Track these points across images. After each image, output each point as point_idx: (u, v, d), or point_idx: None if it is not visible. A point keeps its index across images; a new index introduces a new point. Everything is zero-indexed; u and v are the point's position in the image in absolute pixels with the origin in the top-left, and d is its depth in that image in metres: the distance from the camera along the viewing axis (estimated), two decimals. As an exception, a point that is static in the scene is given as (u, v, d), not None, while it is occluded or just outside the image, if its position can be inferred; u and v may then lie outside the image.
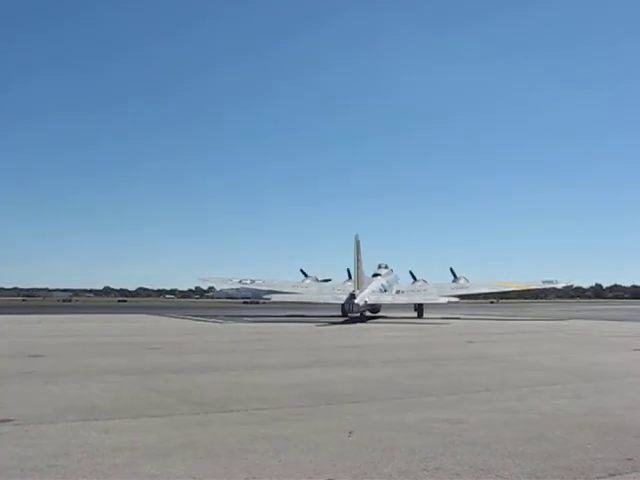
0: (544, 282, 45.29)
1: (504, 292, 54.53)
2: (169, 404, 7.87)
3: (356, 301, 33.14)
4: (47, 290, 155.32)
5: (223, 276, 47.96)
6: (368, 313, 36.28)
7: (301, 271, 44.09)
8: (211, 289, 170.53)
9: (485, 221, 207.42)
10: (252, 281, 43.96)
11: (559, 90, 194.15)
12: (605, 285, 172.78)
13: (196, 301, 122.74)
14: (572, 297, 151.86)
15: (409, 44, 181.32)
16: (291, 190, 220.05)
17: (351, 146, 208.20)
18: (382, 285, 39.53)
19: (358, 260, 36.47)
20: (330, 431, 6.35)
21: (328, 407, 7.71)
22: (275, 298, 40.75)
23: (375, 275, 40.86)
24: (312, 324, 29.41)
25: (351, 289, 36.01)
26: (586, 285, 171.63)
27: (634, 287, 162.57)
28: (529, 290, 56.71)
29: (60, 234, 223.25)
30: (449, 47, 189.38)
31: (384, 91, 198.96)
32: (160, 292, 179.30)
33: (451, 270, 45.00)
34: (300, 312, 45.09)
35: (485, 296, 77.27)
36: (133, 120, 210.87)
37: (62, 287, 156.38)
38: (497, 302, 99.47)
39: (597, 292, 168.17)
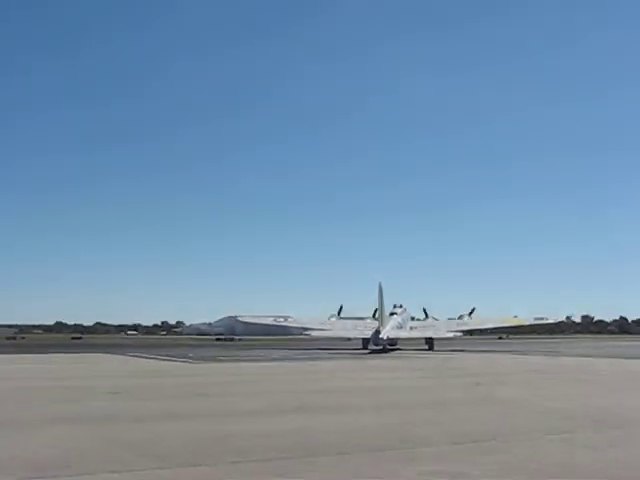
0: (536, 319, 59.12)
1: (514, 327, 67.09)
2: (129, 458, 7.79)
3: (380, 336, 44.63)
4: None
5: (256, 314, 61.63)
6: (388, 346, 45.22)
7: (340, 308, 56.65)
8: (180, 324, 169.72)
9: (492, 246, 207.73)
10: (285, 319, 56.44)
11: (558, 95, 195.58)
12: (631, 318, 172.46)
13: (163, 338, 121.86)
14: (592, 332, 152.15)
15: (408, 47, 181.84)
16: (266, 212, 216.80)
17: (340, 160, 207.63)
18: (399, 322, 50.83)
19: (381, 303, 48.48)
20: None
21: (313, 460, 7.66)
22: (314, 334, 53.80)
23: (392, 314, 51.41)
24: (318, 361, 29.39)
25: (371, 326, 49.14)
26: (609, 318, 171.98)
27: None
28: (522, 326, 68.66)
29: (3, 261, 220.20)
30: (446, 50, 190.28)
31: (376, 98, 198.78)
32: (121, 328, 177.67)
33: (424, 310, 58.90)
34: (302, 347, 51.42)
35: (492, 331, 79.34)
36: (91, 131, 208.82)
37: (6, 323, 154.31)
38: (507, 338, 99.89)
39: (621, 326, 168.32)
